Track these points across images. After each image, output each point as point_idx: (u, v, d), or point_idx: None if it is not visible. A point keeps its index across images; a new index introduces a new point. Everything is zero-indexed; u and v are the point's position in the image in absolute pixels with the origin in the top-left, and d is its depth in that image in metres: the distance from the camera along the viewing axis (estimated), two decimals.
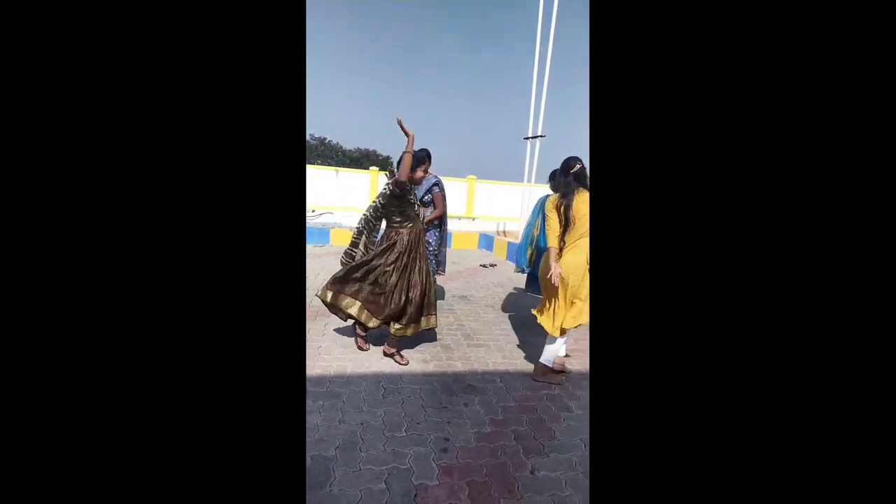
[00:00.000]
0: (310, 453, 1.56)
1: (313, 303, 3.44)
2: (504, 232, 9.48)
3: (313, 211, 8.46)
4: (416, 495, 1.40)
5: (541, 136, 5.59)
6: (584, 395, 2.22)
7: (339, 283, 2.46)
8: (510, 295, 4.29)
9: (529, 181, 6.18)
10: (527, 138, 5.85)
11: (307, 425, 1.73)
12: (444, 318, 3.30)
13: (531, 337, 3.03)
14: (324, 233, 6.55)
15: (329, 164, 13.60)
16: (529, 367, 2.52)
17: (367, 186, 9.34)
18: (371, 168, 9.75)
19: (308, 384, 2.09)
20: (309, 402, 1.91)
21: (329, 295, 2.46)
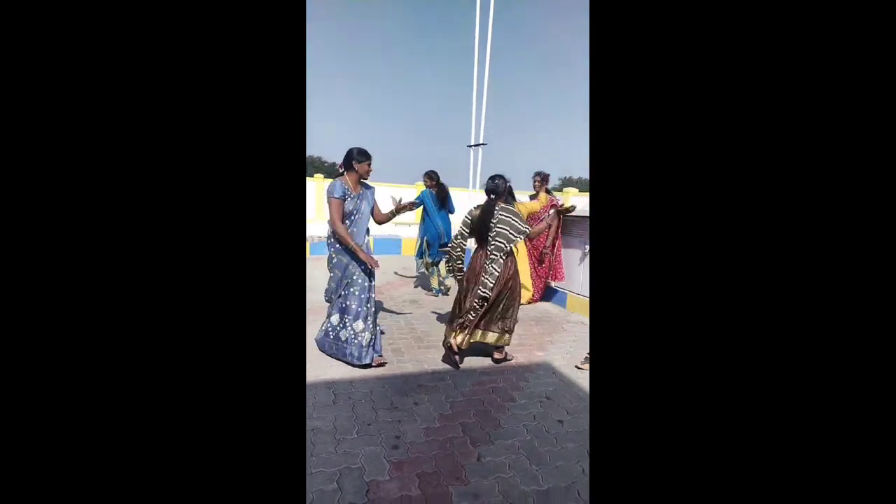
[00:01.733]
0: None
1: None
2: None
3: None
4: (367, 491, 1.45)
5: (482, 144, 5.81)
6: (528, 385, 2.38)
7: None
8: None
9: (474, 187, 6.39)
10: (470, 146, 6.05)
11: None
12: (394, 323, 3.35)
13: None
14: (320, 245, 6.30)
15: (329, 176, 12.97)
16: (478, 364, 2.64)
17: (312, 194, 9.11)
18: (316, 175, 9.52)
19: None
20: None
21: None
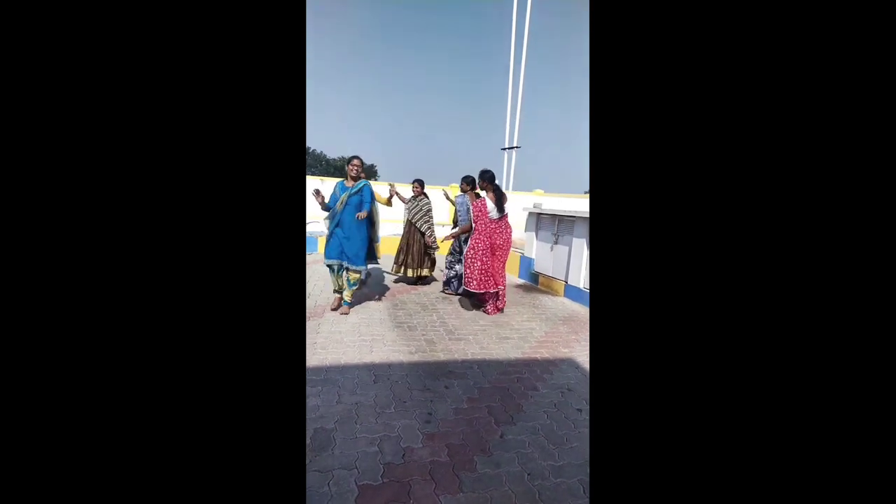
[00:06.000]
0: (313, 426, 1.84)
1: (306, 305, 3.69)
2: None
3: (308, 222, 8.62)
4: (403, 454, 1.69)
5: (516, 147, 5.97)
6: (551, 377, 2.54)
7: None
8: None
9: (507, 188, 6.56)
10: (504, 149, 6.22)
11: (308, 406, 2.00)
12: (428, 317, 3.60)
13: (506, 332, 3.35)
14: (311, 241, 6.72)
15: (313, 174, 13.81)
16: (505, 356, 2.83)
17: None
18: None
19: (306, 374, 2.35)
20: (308, 388, 2.18)
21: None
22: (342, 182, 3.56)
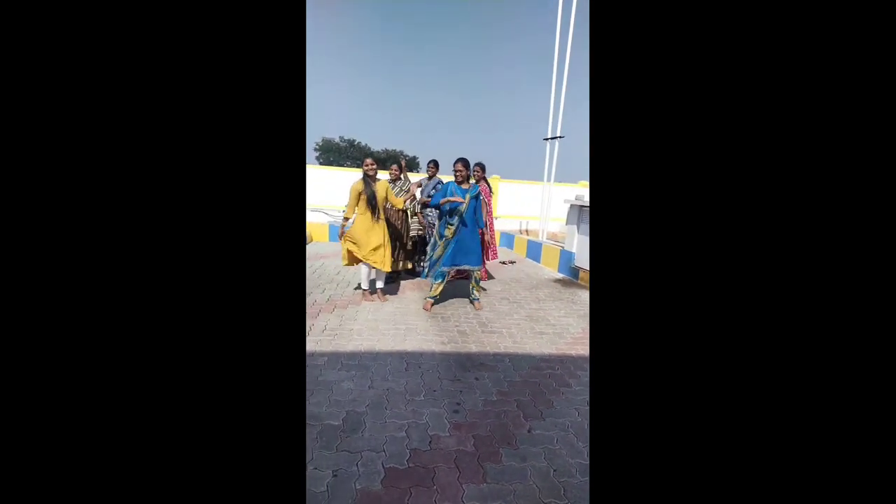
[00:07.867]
0: (345, 409, 1.91)
1: (345, 294, 3.83)
2: (526, 231, 9.66)
3: (342, 211, 8.92)
4: (430, 441, 1.72)
5: (560, 137, 5.79)
6: (584, 374, 2.47)
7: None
8: (525, 290, 4.53)
9: (549, 180, 6.39)
10: (546, 139, 6.06)
11: (341, 390, 2.08)
12: (462, 308, 3.61)
13: (542, 327, 3.29)
14: (334, 229, 6.85)
15: (358, 166, 14.22)
16: (538, 351, 2.79)
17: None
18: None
19: (342, 358, 2.45)
20: (343, 373, 2.27)
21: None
22: (453, 183, 3.44)
